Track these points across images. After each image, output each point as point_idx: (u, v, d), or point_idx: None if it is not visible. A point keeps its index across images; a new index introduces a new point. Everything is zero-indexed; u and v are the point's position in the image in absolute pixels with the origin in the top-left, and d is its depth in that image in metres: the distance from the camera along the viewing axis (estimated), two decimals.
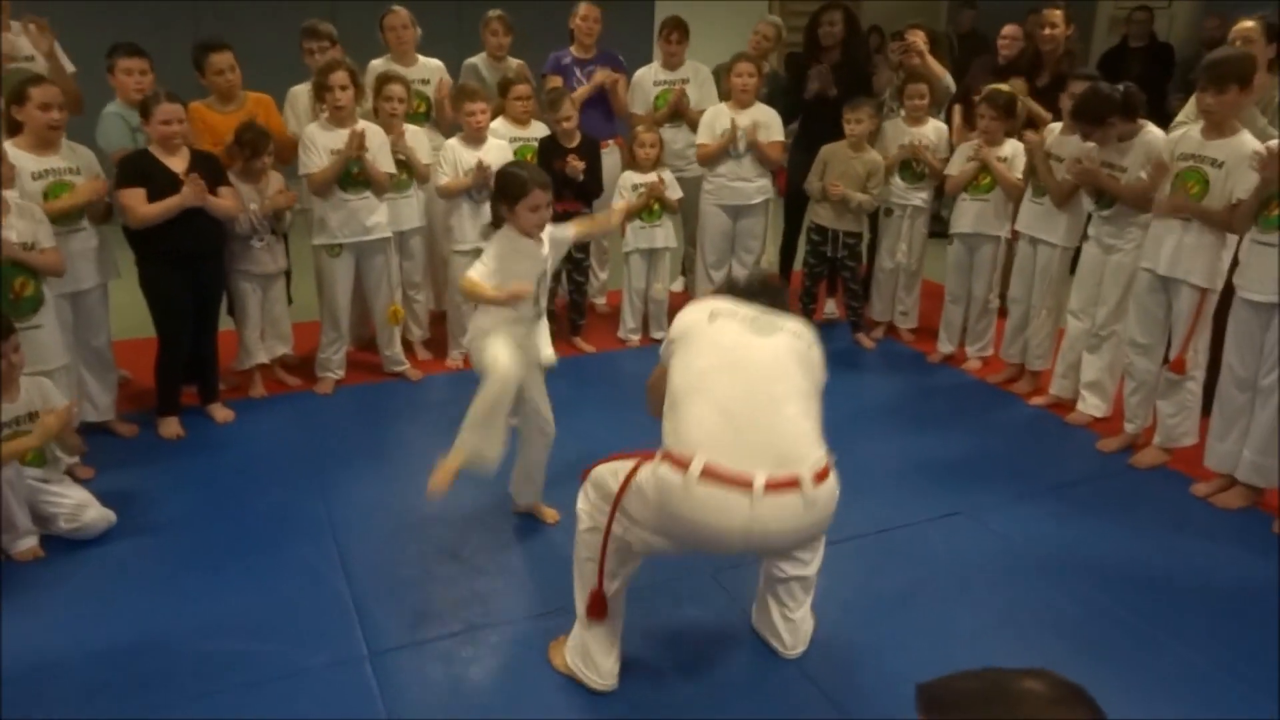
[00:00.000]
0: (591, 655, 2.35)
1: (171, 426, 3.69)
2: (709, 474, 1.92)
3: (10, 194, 3.13)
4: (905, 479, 3.47)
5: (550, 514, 3.16)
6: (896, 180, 4.71)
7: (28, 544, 2.86)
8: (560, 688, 2.39)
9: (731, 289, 2.37)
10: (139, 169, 3.46)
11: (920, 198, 4.73)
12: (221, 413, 3.85)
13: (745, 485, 1.91)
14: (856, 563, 2.91)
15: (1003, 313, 4.53)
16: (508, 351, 2.73)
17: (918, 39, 4.90)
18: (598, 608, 2.30)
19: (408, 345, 4.51)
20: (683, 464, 1.95)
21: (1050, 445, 3.85)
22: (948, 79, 5.03)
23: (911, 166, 4.69)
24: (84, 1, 6.17)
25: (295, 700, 2.32)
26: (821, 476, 1.99)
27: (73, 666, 2.43)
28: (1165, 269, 3.44)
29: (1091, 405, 3.96)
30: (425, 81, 4.56)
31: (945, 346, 4.71)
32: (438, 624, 2.64)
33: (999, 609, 2.73)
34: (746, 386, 2.05)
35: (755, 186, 4.71)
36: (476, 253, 4.25)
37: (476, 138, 4.24)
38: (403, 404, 4.15)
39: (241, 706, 2.29)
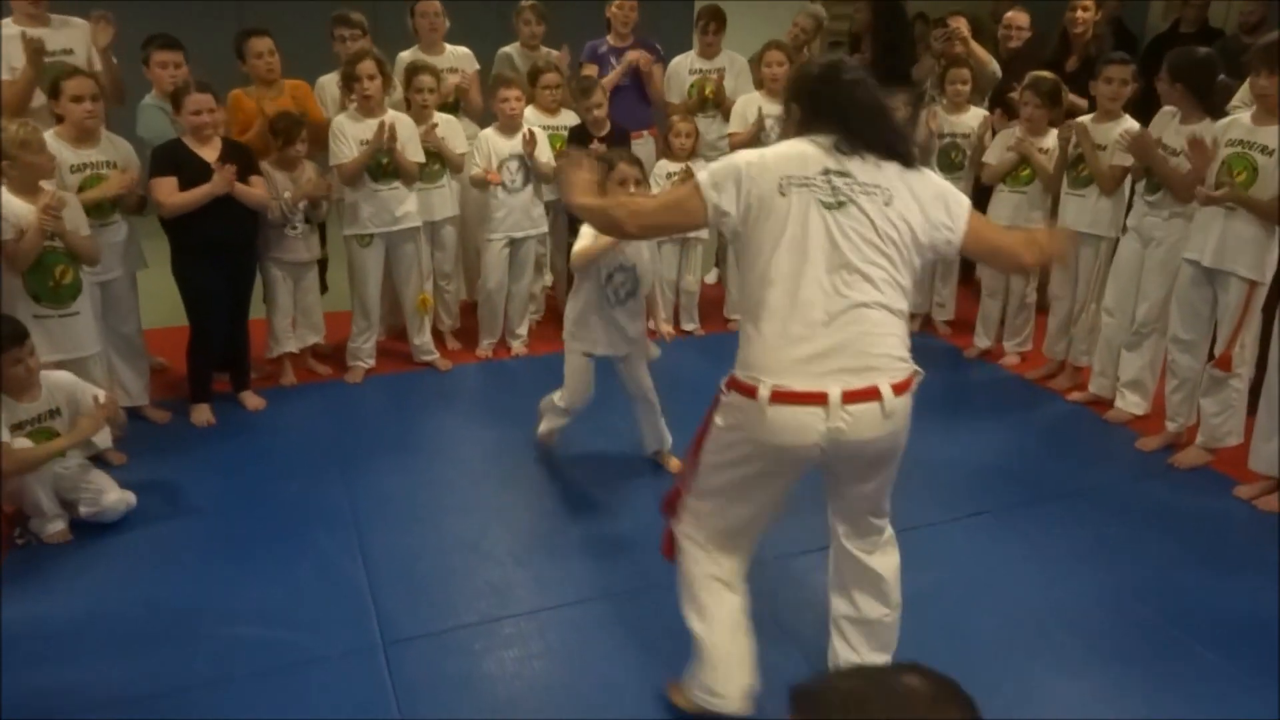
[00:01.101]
0: (714, 679, 2.12)
1: (203, 414, 3.75)
2: (779, 397, 1.86)
3: (49, 185, 3.18)
4: (934, 476, 3.39)
5: (674, 463, 3.33)
6: (935, 169, 4.60)
7: (56, 527, 2.92)
8: (573, 683, 2.38)
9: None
10: (171, 159, 3.50)
11: (960, 189, 4.60)
12: (252, 400, 3.90)
13: (820, 400, 1.85)
14: None
15: (1040, 308, 4.42)
16: (583, 380, 3.21)
17: (960, 25, 4.79)
18: (668, 544, 2.22)
19: (438, 335, 4.53)
20: (750, 391, 1.90)
21: (1087, 443, 3.74)
22: (993, 65, 4.91)
23: (949, 156, 4.58)
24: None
25: (309, 689, 2.34)
26: (902, 388, 1.90)
27: (94, 646, 2.48)
28: (1211, 260, 3.31)
29: (1131, 403, 3.84)
30: (454, 70, 4.56)
31: (982, 341, 4.61)
32: (453, 615, 2.64)
33: (1020, 611, 2.66)
34: (822, 287, 1.88)
35: None
36: (506, 241, 4.32)
37: (511, 125, 4.24)
38: (431, 394, 4.16)
39: (257, 693, 2.31)
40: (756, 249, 1.94)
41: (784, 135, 2.10)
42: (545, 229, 4.49)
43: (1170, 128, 3.55)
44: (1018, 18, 5.02)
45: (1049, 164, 4.14)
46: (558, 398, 3.32)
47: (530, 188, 4.33)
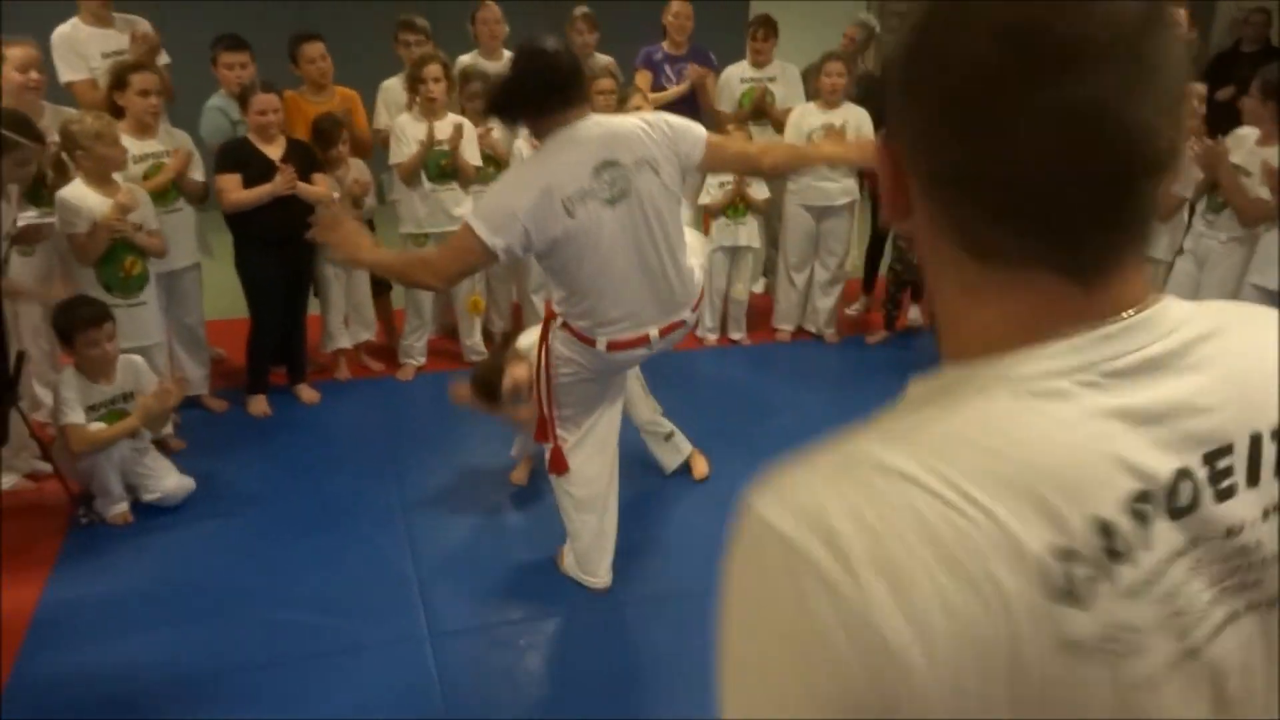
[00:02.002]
0: (589, 558, 2.69)
1: (259, 404, 3.84)
2: (614, 345, 2.38)
3: (117, 177, 3.29)
4: None
5: (701, 467, 3.42)
6: None
7: (119, 509, 3.02)
8: (614, 681, 2.40)
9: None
10: (236, 155, 3.60)
11: None
12: (307, 393, 3.99)
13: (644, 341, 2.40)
14: None
15: None
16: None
17: None
18: (558, 460, 2.58)
19: (488, 335, 4.59)
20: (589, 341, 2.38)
21: None
22: None
23: None
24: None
25: (356, 674, 2.39)
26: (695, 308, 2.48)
27: (149, 624, 2.56)
28: None
29: None
30: None
31: None
32: (498, 610, 2.69)
33: None
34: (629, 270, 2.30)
35: (840, 187, 4.64)
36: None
37: None
38: None
39: (305, 675, 2.38)
40: None
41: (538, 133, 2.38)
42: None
43: (1245, 147, 3.48)
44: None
45: None
46: None
47: None
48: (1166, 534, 0.53)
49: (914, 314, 5.16)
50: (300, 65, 4.06)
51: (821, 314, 4.87)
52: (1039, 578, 0.49)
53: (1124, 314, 0.55)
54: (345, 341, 4.17)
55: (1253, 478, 0.56)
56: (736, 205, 4.59)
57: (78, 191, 3.18)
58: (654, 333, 2.40)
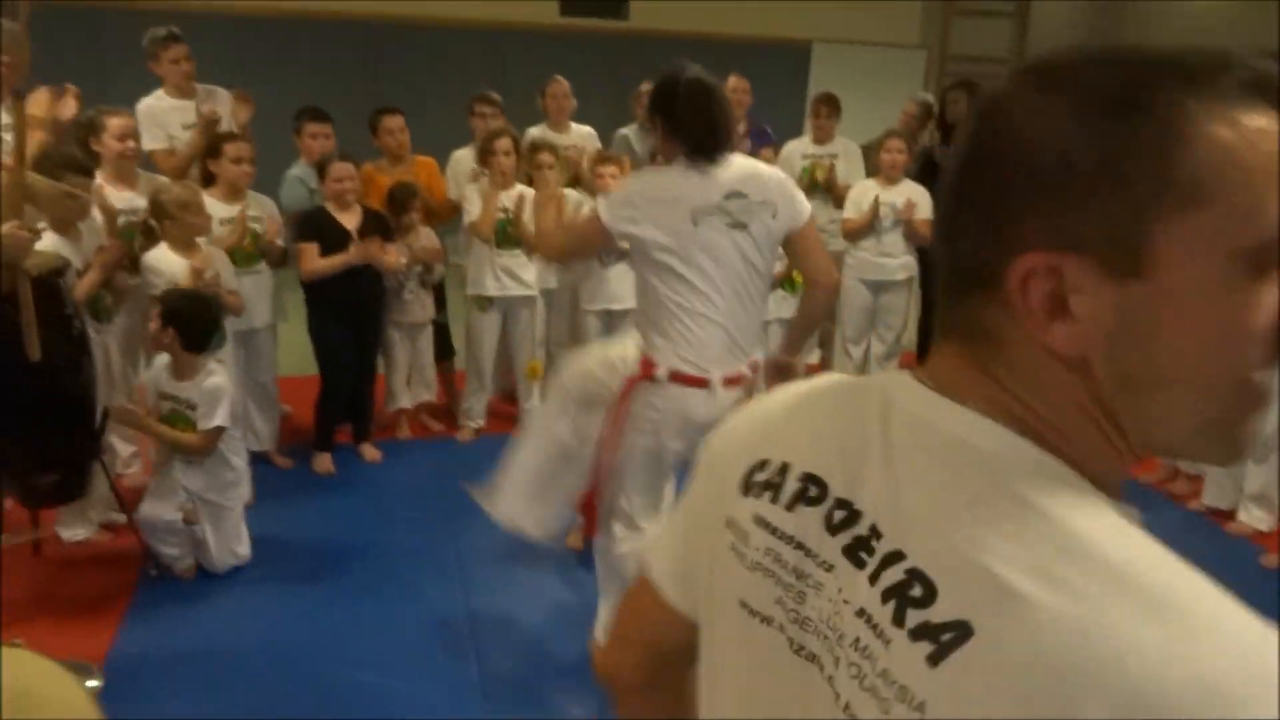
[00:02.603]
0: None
1: (325, 462, 3.93)
2: (675, 376, 2.34)
3: (203, 241, 3.45)
4: None
5: None
6: None
7: (186, 563, 3.10)
8: None
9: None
10: (314, 225, 3.76)
11: None
12: (371, 452, 4.08)
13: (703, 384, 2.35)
14: None
15: None
16: None
17: None
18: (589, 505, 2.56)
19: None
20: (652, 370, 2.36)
21: (1203, 557, 3.53)
22: None
23: None
24: (276, 67, 6.80)
25: None
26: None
27: (211, 682, 2.61)
28: None
29: (1255, 518, 3.68)
30: (573, 147, 4.77)
31: None
32: (553, 679, 2.69)
33: None
34: (728, 289, 2.34)
35: (899, 263, 4.67)
36: (604, 313, 4.44)
37: None
38: None
39: None
40: None
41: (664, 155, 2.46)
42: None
43: None
44: None
45: None
46: None
47: (626, 261, 4.44)
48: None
49: None
50: (379, 137, 4.24)
51: None
52: None
53: None
54: (407, 401, 4.27)
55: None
56: (793, 278, 4.63)
57: (162, 255, 3.34)
58: (716, 376, 2.35)
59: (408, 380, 4.26)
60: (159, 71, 4.01)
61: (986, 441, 0.57)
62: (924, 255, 4.77)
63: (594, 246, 2.55)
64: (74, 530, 3.26)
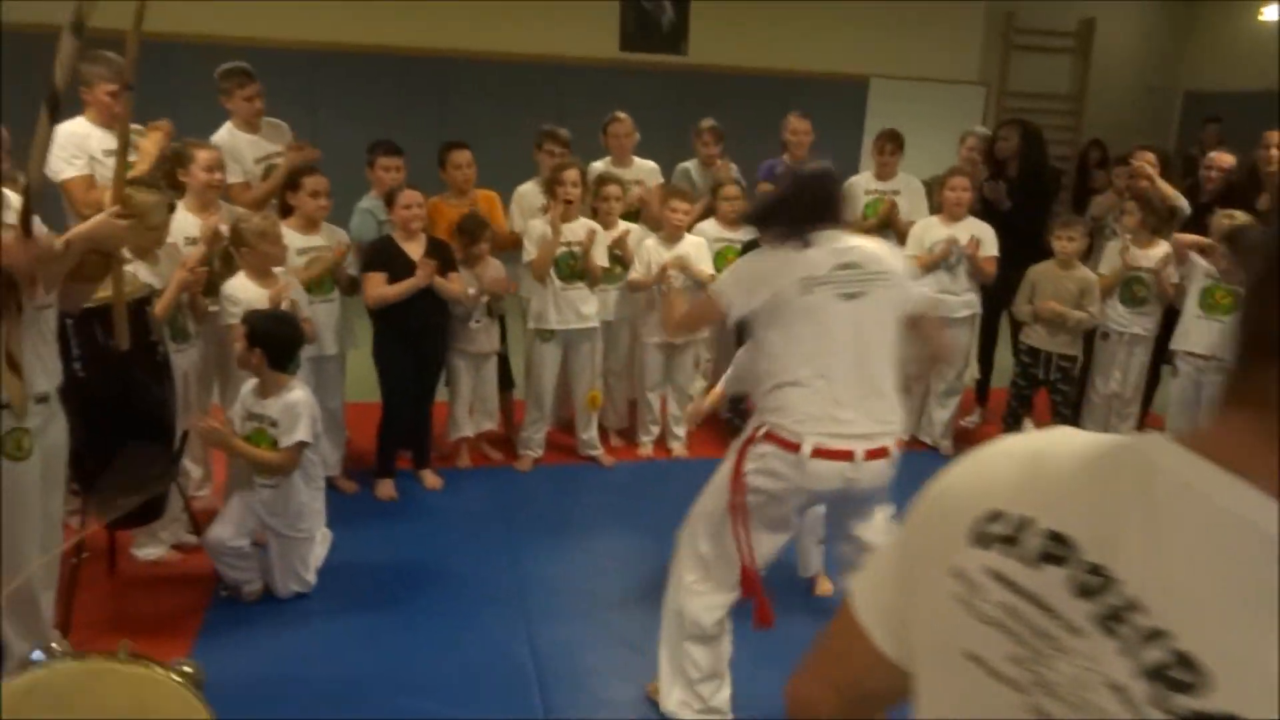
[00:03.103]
0: (701, 691, 2.54)
1: (387, 488, 3.99)
2: (819, 452, 2.28)
3: (279, 270, 3.54)
4: None
5: (826, 586, 3.39)
6: (1117, 304, 4.50)
7: (254, 587, 3.15)
8: None
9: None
10: (382, 254, 3.84)
11: (1143, 325, 4.49)
12: (431, 479, 4.13)
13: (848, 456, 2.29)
14: None
15: None
16: None
17: (1146, 162, 4.70)
18: (750, 583, 2.42)
19: (603, 431, 4.68)
20: (793, 446, 2.29)
21: None
22: (1181, 201, 4.79)
23: (1132, 289, 4.47)
24: (342, 101, 6.97)
25: None
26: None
27: (274, 700, 2.64)
28: None
29: None
30: (639, 182, 4.82)
31: None
32: (612, 712, 2.69)
33: None
34: (847, 361, 2.32)
35: (962, 300, 4.63)
36: (664, 346, 4.45)
37: (674, 236, 4.41)
38: (595, 487, 4.30)
39: None
40: None
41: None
42: (704, 335, 4.60)
43: None
44: (1222, 159, 4.89)
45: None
46: None
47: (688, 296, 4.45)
48: None
49: (1030, 429, 5.04)
50: (447, 170, 4.32)
51: (938, 425, 4.82)
52: None
53: None
54: (469, 430, 4.31)
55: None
56: None
57: (240, 283, 3.43)
58: (859, 450, 2.29)
59: (470, 409, 4.30)
60: (229, 106, 4.14)
61: (1273, 524, 0.54)
62: (986, 292, 4.73)
63: (712, 323, 2.66)
64: (148, 550, 3.34)
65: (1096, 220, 5.12)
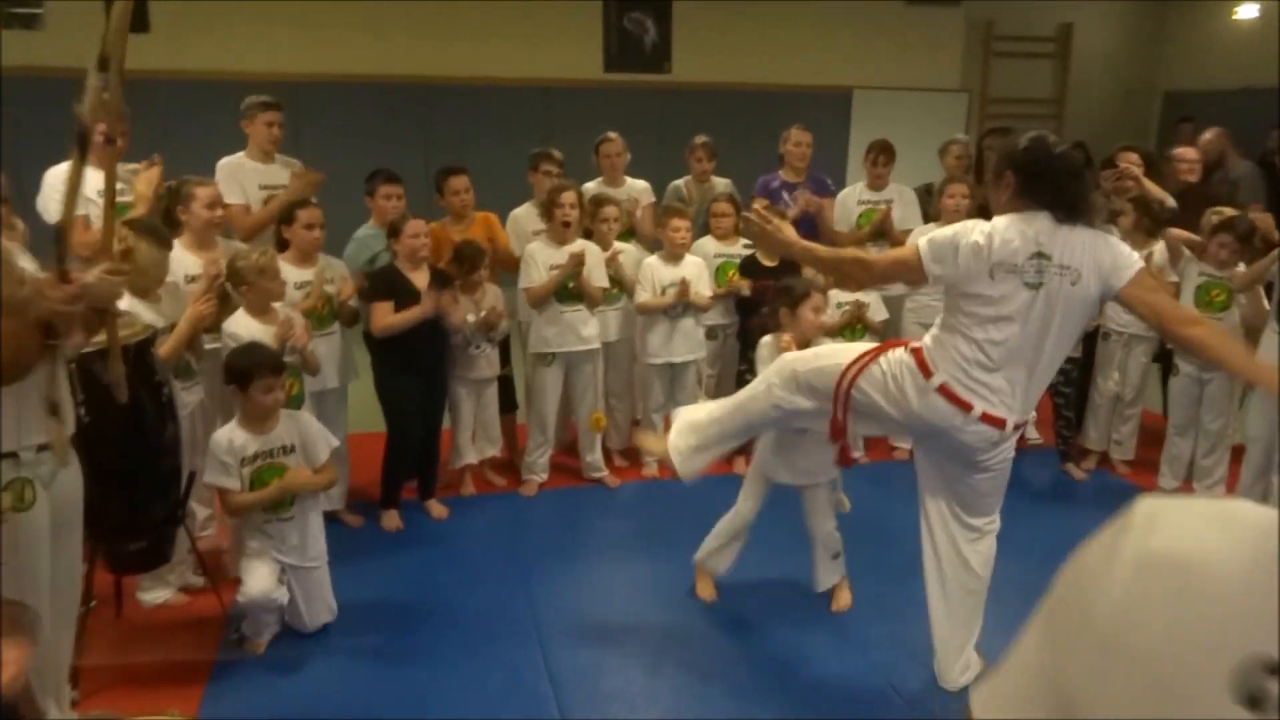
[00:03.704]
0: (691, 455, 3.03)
1: (392, 520, 3.95)
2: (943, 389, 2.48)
3: (279, 306, 3.51)
4: None
5: (845, 598, 3.40)
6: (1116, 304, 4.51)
7: (273, 632, 3.09)
8: None
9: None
10: (387, 284, 3.81)
11: (1141, 324, 4.48)
12: (437, 509, 4.09)
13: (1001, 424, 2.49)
14: None
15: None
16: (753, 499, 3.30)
17: (1130, 163, 4.72)
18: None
19: (606, 452, 4.65)
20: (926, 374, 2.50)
21: None
22: (1168, 200, 4.82)
23: None
24: (330, 130, 6.96)
25: None
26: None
27: None
28: None
29: None
30: (631, 200, 4.82)
31: (1168, 482, 4.40)
32: None
33: None
34: (1025, 346, 2.44)
35: None
36: (666, 367, 4.44)
37: (676, 255, 4.41)
38: (601, 510, 4.27)
39: None
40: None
41: (997, 203, 2.53)
42: (703, 354, 4.59)
43: None
44: (1187, 153, 4.96)
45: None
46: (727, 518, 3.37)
47: (691, 314, 4.45)
48: None
49: (1032, 433, 5.04)
50: (445, 196, 4.31)
51: None
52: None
53: None
54: (472, 457, 4.28)
55: None
56: (854, 326, 4.61)
57: (240, 321, 3.39)
58: (978, 408, 2.47)
59: (473, 435, 4.27)
60: (249, 130, 4.13)
61: None
62: None
63: (905, 276, 2.64)
64: (154, 594, 3.29)
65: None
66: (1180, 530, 0.60)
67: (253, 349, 3.10)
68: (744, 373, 4.65)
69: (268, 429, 3.04)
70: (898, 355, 2.57)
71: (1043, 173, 2.42)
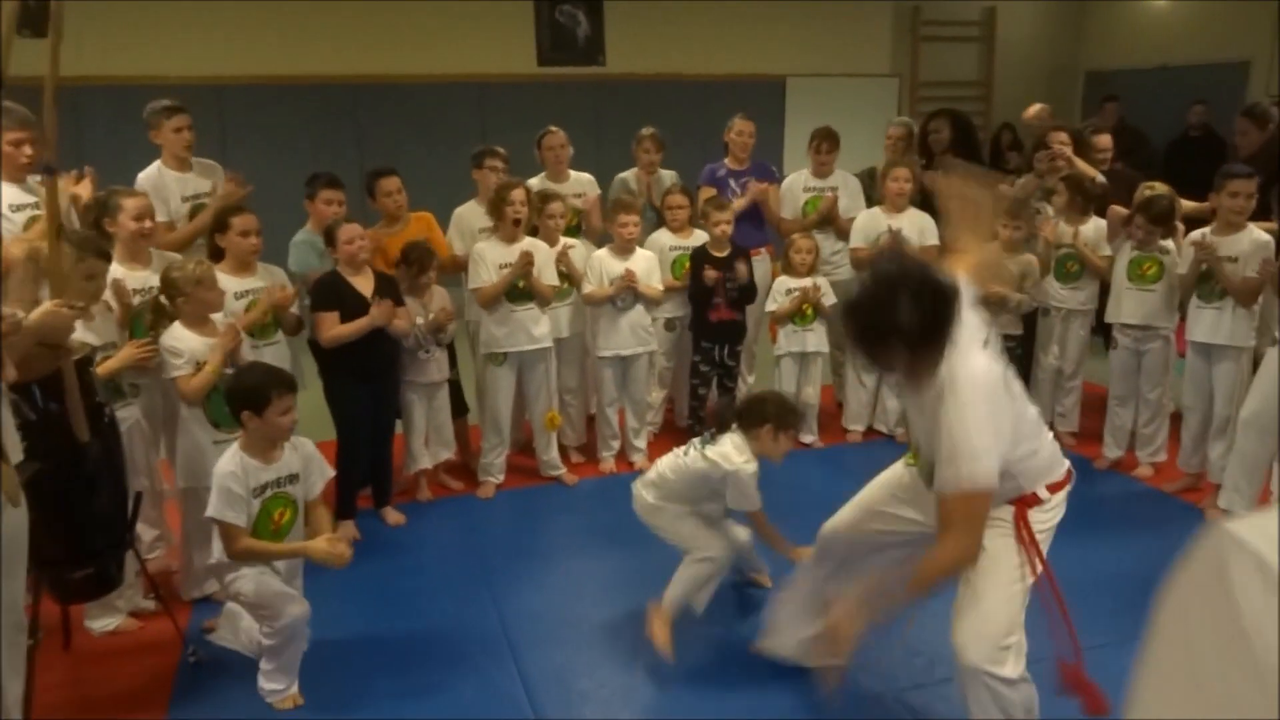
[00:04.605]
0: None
1: (349, 530, 3.86)
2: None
3: (217, 317, 3.39)
4: (1071, 599, 3.29)
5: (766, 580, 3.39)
6: (1052, 280, 4.62)
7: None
8: None
9: None
10: (332, 292, 3.72)
11: (1078, 299, 4.61)
12: (393, 516, 4.01)
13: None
14: None
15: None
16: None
17: (1060, 143, 4.83)
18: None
19: (562, 449, 4.62)
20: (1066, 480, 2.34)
21: None
22: (1099, 177, 4.95)
23: (1065, 266, 4.59)
24: (257, 133, 6.78)
25: None
26: None
27: None
28: None
29: None
30: (578, 195, 4.78)
31: (1112, 451, 4.52)
32: None
33: None
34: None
35: None
36: (616, 359, 4.42)
37: (626, 249, 4.39)
38: (561, 508, 4.23)
39: None
40: None
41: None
42: (654, 346, 4.58)
43: None
44: (1101, 141, 5.09)
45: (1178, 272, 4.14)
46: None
47: (640, 306, 4.44)
48: None
49: None
50: (377, 199, 4.22)
51: (892, 414, 4.88)
52: None
53: None
54: (427, 462, 4.21)
55: None
56: (805, 312, 4.65)
57: (178, 334, 3.26)
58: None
59: (426, 440, 4.20)
60: (159, 140, 3.97)
61: None
62: None
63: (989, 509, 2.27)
64: (103, 621, 3.17)
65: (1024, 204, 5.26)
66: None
67: (257, 369, 2.91)
68: (698, 363, 4.67)
69: (276, 456, 2.79)
70: (1038, 514, 2.28)
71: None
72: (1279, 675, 0.52)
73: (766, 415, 2.95)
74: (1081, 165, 4.85)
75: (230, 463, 2.72)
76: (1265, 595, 0.53)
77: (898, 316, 1.98)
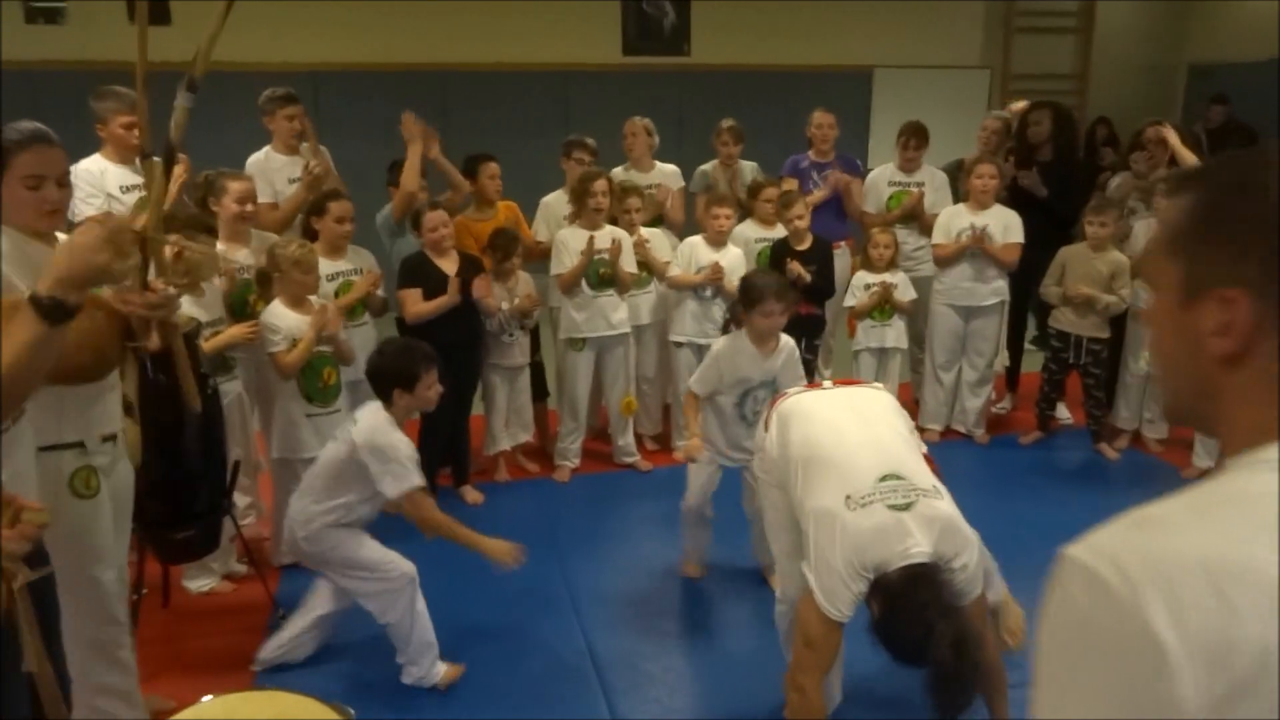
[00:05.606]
0: None
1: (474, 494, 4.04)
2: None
3: (313, 298, 3.53)
4: None
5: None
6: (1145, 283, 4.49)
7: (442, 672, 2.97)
8: None
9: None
10: (417, 271, 3.84)
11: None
12: (472, 494, 4.13)
13: None
14: None
15: None
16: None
17: (1170, 134, 4.64)
18: None
19: (638, 437, 4.67)
20: None
21: None
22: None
23: None
24: (348, 120, 6.97)
25: None
26: None
27: None
28: None
29: None
30: (651, 187, 4.81)
31: (1203, 460, 4.39)
32: (680, 698, 2.71)
33: None
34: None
35: (990, 288, 4.62)
36: (692, 346, 4.45)
37: (718, 240, 4.41)
38: (634, 494, 4.29)
39: None
40: None
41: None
42: None
43: None
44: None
45: None
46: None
47: (721, 299, 4.45)
48: None
49: (1063, 412, 5.04)
50: (479, 181, 4.32)
51: (971, 414, 4.81)
52: None
53: None
54: (506, 444, 4.31)
55: None
56: (883, 308, 4.61)
57: (278, 312, 3.41)
58: None
59: (506, 422, 4.30)
60: (271, 126, 4.15)
61: None
62: (1014, 279, 4.71)
63: None
64: (200, 582, 3.34)
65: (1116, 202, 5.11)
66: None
67: (399, 347, 3.02)
68: None
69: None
70: None
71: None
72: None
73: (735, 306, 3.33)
74: (1188, 156, 4.67)
75: (398, 437, 2.82)
76: (1090, 593, 0.66)
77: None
